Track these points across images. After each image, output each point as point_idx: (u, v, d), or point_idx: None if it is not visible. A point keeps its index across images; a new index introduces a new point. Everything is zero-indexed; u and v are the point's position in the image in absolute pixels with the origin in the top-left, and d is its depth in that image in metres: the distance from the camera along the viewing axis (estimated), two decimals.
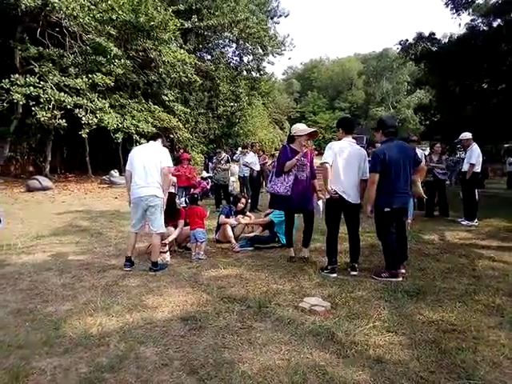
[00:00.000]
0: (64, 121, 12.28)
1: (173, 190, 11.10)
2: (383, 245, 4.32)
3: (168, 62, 14.57)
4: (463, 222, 7.37)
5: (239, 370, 2.41)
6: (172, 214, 5.21)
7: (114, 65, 13.15)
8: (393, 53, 42.11)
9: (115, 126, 12.89)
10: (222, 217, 5.87)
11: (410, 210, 6.22)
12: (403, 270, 4.26)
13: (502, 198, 11.72)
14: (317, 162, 5.07)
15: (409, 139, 7.40)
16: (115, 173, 15.21)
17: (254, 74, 23.35)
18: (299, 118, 44.84)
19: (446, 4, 14.15)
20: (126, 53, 14.32)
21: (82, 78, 12.64)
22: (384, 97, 54.05)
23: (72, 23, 12.81)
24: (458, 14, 14.16)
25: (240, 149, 12.88)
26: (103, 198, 12.07)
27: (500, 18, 14.19)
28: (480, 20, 15.71)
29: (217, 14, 18.13)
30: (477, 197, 7.58)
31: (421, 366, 2.46)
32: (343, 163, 4.24)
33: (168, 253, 4.98)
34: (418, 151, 7.92)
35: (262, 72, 23.46)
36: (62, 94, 12.12)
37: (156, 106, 15.52)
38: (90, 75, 12.75)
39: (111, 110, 13.36)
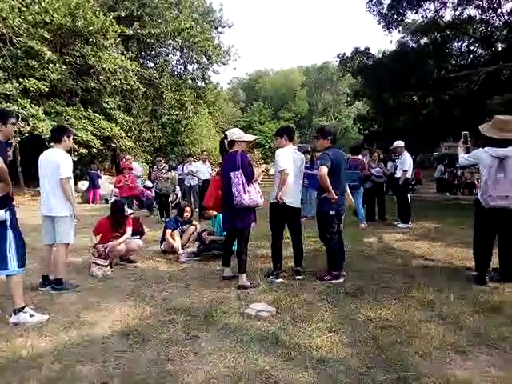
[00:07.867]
0: None
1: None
2: (327, 248, 4.47)
3: (108, 68, 14.07)
4: (399, 225, 7.86)
5: (183, 382, 2.35)
6: (119, 223, 5.04)
7: (49, 70, 12.47)
8: (333, 66, 44.19)
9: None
10: (169, 231, 5.80)
11: None
12: (343, 272, 4.44)
13: (432, 202, 12.68)
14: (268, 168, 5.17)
15: (362, 147, 9.14)
16: None
17: (199, 82, 23.24)
18: (246, 126, 45.13)
19: (378, 22, 15.17)
20: (63, 58, 13.62)
21: (11, 83, 11.81)
22: (326, 107, 56.38)
23: (1, 25, 11.97)
24: (390, 32, 15.23)
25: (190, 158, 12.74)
26: (37, 210, 11.21)
27: (426, 36, 15.50)
28: (409, 38, 17.04)
29: (159, 21, 17.86)
30: (409, 201, 8.11)
31: (360, 363, 2.57)
32: (291, 170, 4.35)
33: (109, 266, 4.76)
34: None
35: (207, 81, 23.40)
36: None
37: (96, 114, 14.89)
38: (20, 80, 11.95)
39: (46, 118, 12.59)
